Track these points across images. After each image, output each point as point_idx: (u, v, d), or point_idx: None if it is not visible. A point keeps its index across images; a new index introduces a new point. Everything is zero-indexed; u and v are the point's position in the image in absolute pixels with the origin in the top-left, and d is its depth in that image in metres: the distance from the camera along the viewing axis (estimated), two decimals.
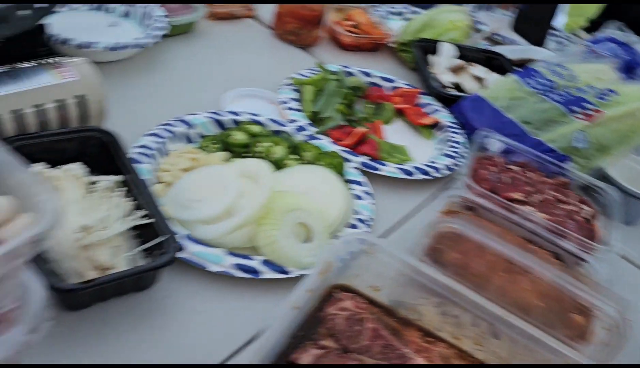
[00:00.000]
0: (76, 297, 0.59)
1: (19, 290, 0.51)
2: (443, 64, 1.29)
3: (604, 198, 0.96)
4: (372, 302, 0.70)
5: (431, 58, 1.33)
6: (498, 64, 1.40)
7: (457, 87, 1.28)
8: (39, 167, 0.66)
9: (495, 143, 0.99)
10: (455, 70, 1.30)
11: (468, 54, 1.37)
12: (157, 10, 1.05)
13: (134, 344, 0.62)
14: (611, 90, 1.05)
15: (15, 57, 0.73)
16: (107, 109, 0.79)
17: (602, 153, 1.03)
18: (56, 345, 0.59)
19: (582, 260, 0.81)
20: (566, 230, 0.83)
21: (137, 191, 0.70)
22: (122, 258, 0.63)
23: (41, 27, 0.74)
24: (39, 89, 0.71)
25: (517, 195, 0.89)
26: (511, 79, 1.12)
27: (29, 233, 0.42)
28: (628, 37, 1.27)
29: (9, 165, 0.46)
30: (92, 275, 0.60)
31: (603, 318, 0.72)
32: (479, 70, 1.32)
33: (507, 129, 1.04)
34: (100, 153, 0.74)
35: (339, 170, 0.88)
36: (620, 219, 0.96)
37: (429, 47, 1.35)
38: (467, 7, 1.48)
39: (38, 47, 0.77)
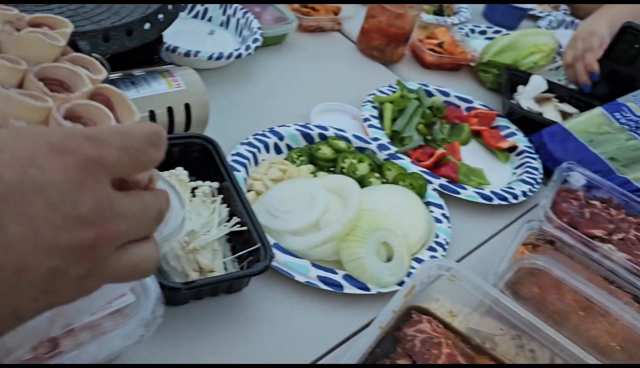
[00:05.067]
0: (179, 295, 0.65)
1: (137, 284, 0.56)
2: (528, 92, 1.28)
3: None
4: (448, 327, 0.72)
5: (520, 87, 1.32)
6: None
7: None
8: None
9: (579, 177, 0.99)
10: (540, 100, 1.29)
11: (558, 92, 1.33)
12: (254, 22, 1.11)
13: (223, 342, 0.67)
14: None
15: (133, 62, 0.80)
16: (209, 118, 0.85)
17: None
18: (152, 338, 0.63)
19: None
20: None
21: (233, 198, 0.75)
22: (219, 262, 0.68)
23: (161, 37, 0.80)
24: (155, 95, 0.77)
25: (598, 232, 0.89)
26: (598, 112, 1.11)
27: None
28: None
29: None
30: (194, 276, 0.65)
31: None
32: (567, 106, 1.30)
33: (592, 164, 1.03)
34: (201, 159, 0.79)
35: (420, 191, 0.91)
36: None
37: (520, 78, 1.33)
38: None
39: (153, 55, 0.84)
